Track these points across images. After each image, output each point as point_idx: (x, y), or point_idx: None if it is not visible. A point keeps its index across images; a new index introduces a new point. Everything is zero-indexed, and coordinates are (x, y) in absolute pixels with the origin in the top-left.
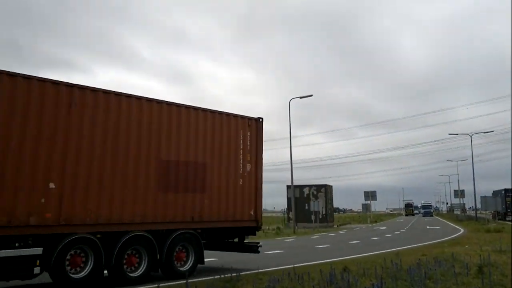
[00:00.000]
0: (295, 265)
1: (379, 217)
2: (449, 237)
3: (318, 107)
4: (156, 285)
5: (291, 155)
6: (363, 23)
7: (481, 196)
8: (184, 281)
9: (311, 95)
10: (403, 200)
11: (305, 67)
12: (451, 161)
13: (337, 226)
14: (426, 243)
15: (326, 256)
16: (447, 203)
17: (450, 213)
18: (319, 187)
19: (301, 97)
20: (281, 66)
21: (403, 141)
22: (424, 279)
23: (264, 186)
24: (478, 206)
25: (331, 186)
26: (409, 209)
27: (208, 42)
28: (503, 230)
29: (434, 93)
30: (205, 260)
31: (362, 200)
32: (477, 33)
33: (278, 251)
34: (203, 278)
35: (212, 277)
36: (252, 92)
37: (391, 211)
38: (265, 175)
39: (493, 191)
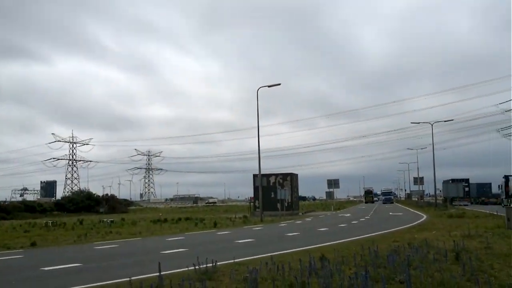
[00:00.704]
0: (270, 254)
1: (341, 204)
2: (415, 223)
3: (281, 98)
4: (142, 277)
5: (259, 144)
6: (324, 15)
7: (443, 183)
8: (157, 274)
9: (279, 84)
10: (364, 188)
11: (268, 59)
12: (411, 149)
13: (302, 213)
14: (394, 229)
15: (298, 244)
16: (405, 190)
17: (408, 200)
18: (285, 176)
19: (269, 86)
20: (245, 58)
21: (364, 130)
22: (406, 266)
23: (228, 176)
24: (438, 192)
25: (297, 174)
26: (369, 196)
27: (172, 32)
28: (464, 216)
29: (393, 84)
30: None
31: (324, 188)
32: (433, 24)
33: (248, 240)
34: (177, 270)
35: (186, 268)
36: (216, 83)
37: (352, 198)
38: (230, 165)
39: (443, 181)
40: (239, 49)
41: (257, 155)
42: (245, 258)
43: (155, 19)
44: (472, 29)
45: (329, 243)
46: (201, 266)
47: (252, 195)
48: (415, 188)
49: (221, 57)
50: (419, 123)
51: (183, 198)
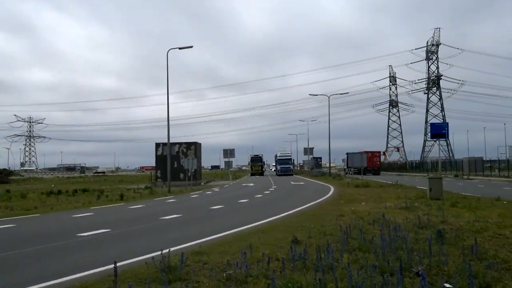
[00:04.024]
0: (220, 235)
1: (235, 174)
2: (331, 194)
3: (169, 68)
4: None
5: (168, 111)
6: None
7: (347, 153)
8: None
9: (191, 46)
10: (251, 155)
11: (156, 26)
12: (303, 121)
13: (204, 183)
14: (319, 200)
15: (237, 220)
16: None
17: (295, 169)
18: (189, 145)
19: (180, 48)
20: (133, 24)
21: (251, 103)
22: (400, 251)
23: (115, 145)
24: (325, 162)
25: (200, 143)
26: (257, 165)
27: None
28: (369, 185)
29: (276, 59)
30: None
31: (214, 158)
32: (310, 4)
33: (175, 216)
34: (124, 263)
35: (144, 262)
36: (102, 48)
37: (240, 168)
38: (116, 133)
39: (312, 158)
40: (125, 14)
41: (148, 124)
42: (194, 242)
43: None
44: (347, 10)
45: (271, 219)
46: (164, 259)
47: (143, 165)
48: (304, 158)
49: (106, 21)
50: (316, 95)
51: (68, 168)
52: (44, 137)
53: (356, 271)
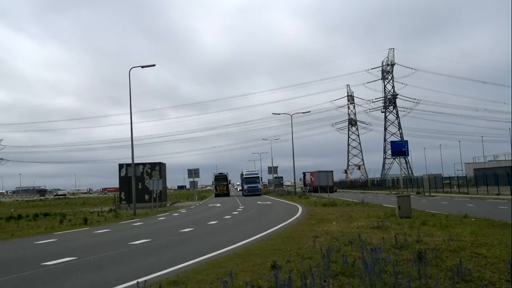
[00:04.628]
0: (194, 261)
1: (200, 194)
2: (301, 214)
3: (128, 87)
4: None
5: (132, 130)
6: (169, 4)
7: (304, 172)
8: None
9: (154, 65)
10: (214, 173)
11: (115, 45)
12: (266, 139)
13: (170, 205)
14: (289, 221)
15: (210, 245)
16: None
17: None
18: (153, 165)
19: (142, 66)
20: (91, 43)
21: (212, 122)
22: (381, 274)
23: (75, 166)
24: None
25: (165, 164)
26: (222, 184)
27: (7, 10)
28: (336, 204)
29: (237, 78)
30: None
31: (177, 178)
32: (267, 24)
33: (145, 241)
34: None
35: None
36: (60, 68)
37: (203, 187)
38: (73, 155)
39: (274, 177)
40: (84, 34)
41: (109, 145)
42: (169, 269)
43: None
44: (306, 30)
45: (245, 241)
46: (139, 285)
47: (105, 186)
48: (269, 177)
49: (64, 41)
50: (279, 114)
51: (27, 191)
52: (1, 159)
53: None
